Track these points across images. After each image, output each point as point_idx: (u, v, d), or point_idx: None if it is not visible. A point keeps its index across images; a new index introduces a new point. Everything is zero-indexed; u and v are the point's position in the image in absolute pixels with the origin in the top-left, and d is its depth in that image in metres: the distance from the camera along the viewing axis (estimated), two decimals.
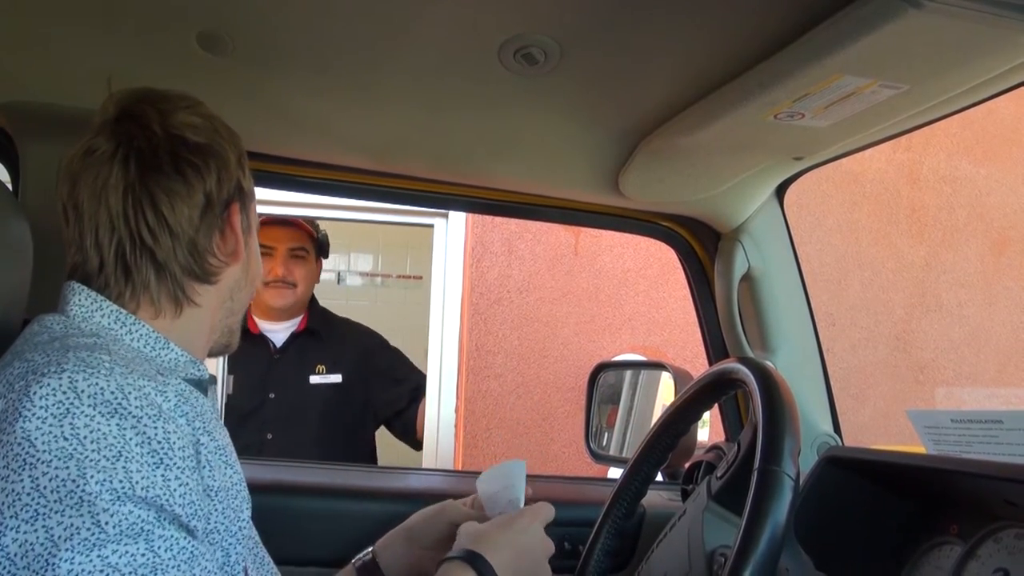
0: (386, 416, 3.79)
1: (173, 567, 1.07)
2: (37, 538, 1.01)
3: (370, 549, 1.76)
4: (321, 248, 3.76)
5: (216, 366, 3.72)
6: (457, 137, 2.00)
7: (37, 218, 1.49)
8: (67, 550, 1.01)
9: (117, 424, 1.08)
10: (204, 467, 1.23)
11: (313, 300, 3.79)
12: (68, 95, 1.81)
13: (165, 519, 1.09)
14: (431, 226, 5.20)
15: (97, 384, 1.09)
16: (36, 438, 1.04)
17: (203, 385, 1.38)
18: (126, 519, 1.05)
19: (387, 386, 3.79)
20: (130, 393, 1.11)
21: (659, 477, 1.78)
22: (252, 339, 3.63)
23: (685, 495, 2.09)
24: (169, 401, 1.17)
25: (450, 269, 5.16)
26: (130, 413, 1.10)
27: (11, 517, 1.01)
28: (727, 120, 1.60)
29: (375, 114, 1.91)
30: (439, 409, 5.03)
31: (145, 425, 1.10)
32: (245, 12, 1.53)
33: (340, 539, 2.11)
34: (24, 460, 1.03)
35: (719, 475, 1.52)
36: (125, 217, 1.31)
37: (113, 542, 1.03)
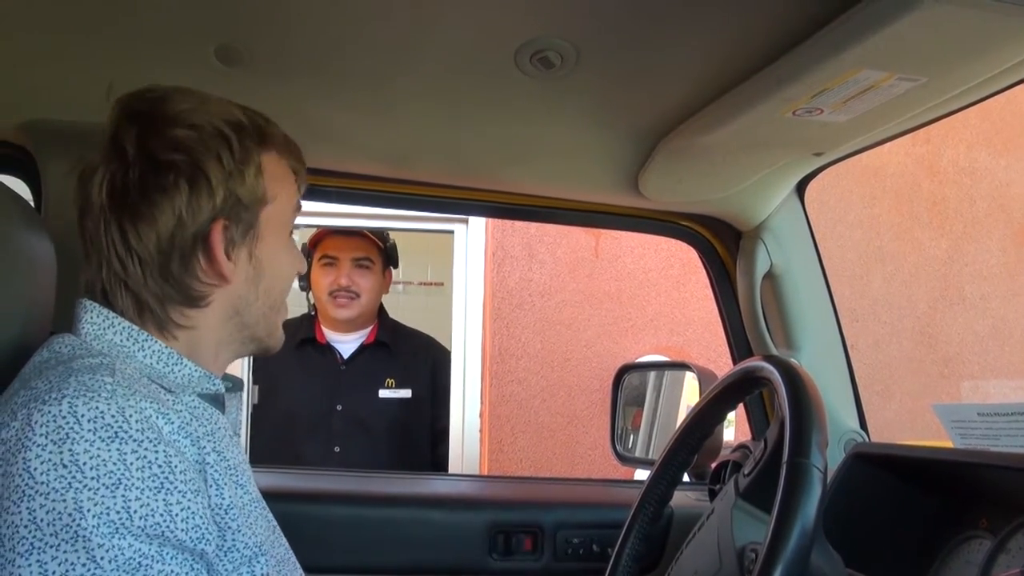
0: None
1: None
2: (31, 572, 1.00)
3: None
4: (389, 258, 3.73)
5: (241, 375, 3.72)
6: (475, 142, 2.00)
7: (59, 235, 1.50)
8: None
9: (117, 449, 1.07)
10: (211, 487, 1.21)
11: (383, 312, 3.76)
12: (87, 112, 1.81)
13: (167, 548, 1.08)
14: (451, 232, 5.21)
15: (97, 408, 1.08)
16: (35, 468, 1.03)
17: (219, 399, 1.36)
18: (123, 554, 1.03)
19: (442, 406, 3.80)
20: (131, 416, 1.10)
21: (686, 478, 1.77)
22: (320, 349, 3.63)
23: (713, 495, 2.08)
24: (172, 423, 1.15)
25: (471, 274, 5.17)
26: (131, 437, 1.08)
27: (9, 550, 1.00)
28: (746, 118, 1.60)
29: (393, 121, 1.91)
30: (464, 414, 5.03)
31: (146, 449, 1.09)
32: (261, 25, 1.53)
33: (366, 545, 2.12)
34: (23, 492, 1.02)
35: (747, 472, 1.51)
36: (98, 242, 1.30)
37: None
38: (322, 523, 2.12)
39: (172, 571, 1.07)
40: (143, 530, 1.06)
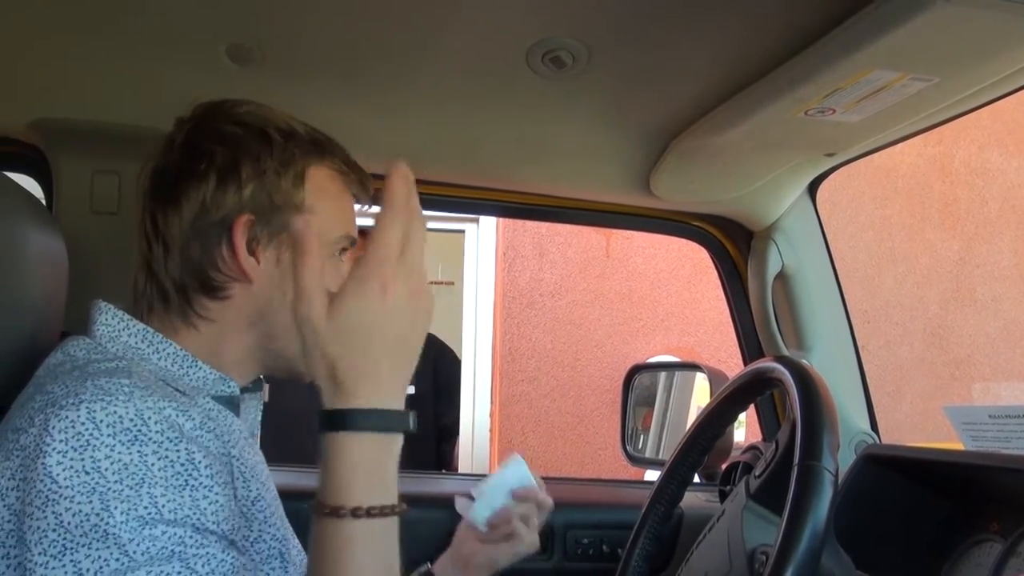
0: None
1: None
2: (66, 573, 1.00)
3: (427, 567, 1.74)
4: None
5: None
6: (486, 141, 2.00)
7: (71, 234, 1.50)
8: None
9: (138, 451, 1.06)
10: (238, 479, 1.21)
11: None
12: (98, 111, 1.82)
13: (201, 534, 1.07)
14: (462, 231, 5.21)
15: (115, 412, 1.07)
16: (57, 474, 1.02)
17: (234, 402, 1.35)
18: (156, 543, 1.03)
19: (446, 404, 3.80)
20: (150, 417, 1.08)
21: (696, 479, 1.77)
22: None
23: (723, 496, 2.08)
24: (193, 420, 1.14)
25: (482, 274, 5.17)
26: (150, 439, 1.07)
27: (39, 554, 1.00)
28: (758, 118, 1.59)
29: (404, 120, 1.91)
30: (474, 413, 5.03)
31: (167, 449, 1.08)
32: (273, 24, 1.53)
33: None
34: (47, 496, 1.02)
35: (757, 474, 1.51)
36: (139, 228, 1.31)
37: (144, 566, 1.01)
38: None
39: (209, 552, 1.06)
40: (174, 521, 1.05)
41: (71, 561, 1.00)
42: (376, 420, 1.06)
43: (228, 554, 1.08)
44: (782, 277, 2.22)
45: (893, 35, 1.23)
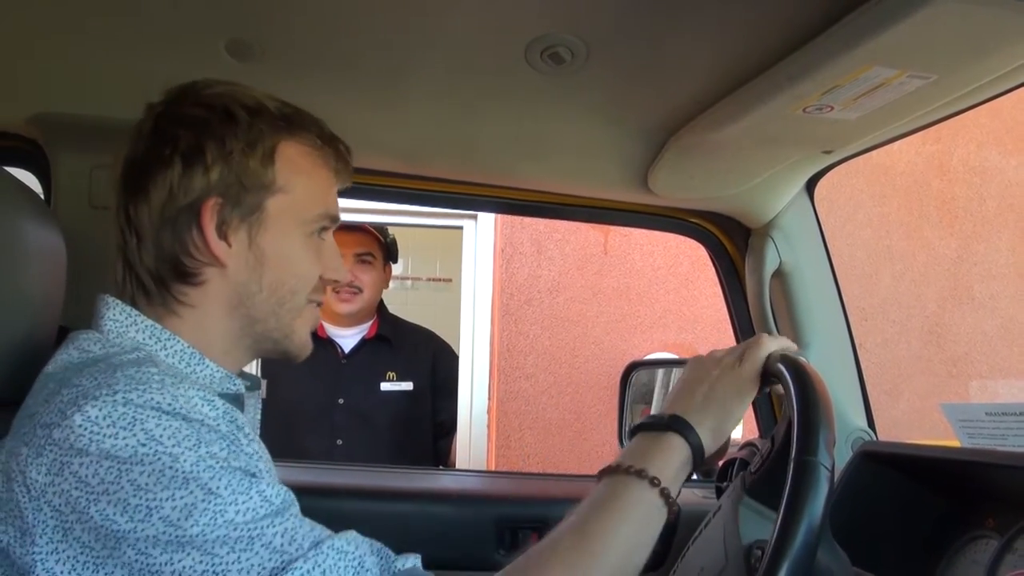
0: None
1: (285, 508, 1.10)
2: (155, 530, 1.01)
3: None
4: (389, 253, 3.74)
5: (251, 370, 3.73)
6: (485, 138, 2.00)
7: (69, 228, 1.50)
8: (192, 525, 1.02)
9: (183, 421, 1.08)
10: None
11: (383, 307, 3.78)
12: (97, 105, 1.82)
13: (262, 479, 1.10)
14: (460, 228, 5.20)
15: (152, 398, 1.08)
16: (118, 452, 1.03)
17: (239, 399, 1.35)
18: (232, 481, 1.06)
19: (444, 400, 3.81)
20: (184, 402, 1.10)
21: (693, 476, 1.77)
22: (320, 343, 3.61)
23: (719, 492, 2.08)
24: (217, 410, 1.15)
25: (480, 271, 5.16)
26: (191, 417, 1.09)
27: (127, 521, 1.01)
28: (756, 114, 1.60)
29: (403, 116, 1.91)
30: (471, 410, 5.03)
31: (208, 427, 1.10)
32: (272, 20, 1.53)
33: (377, 540, 2.12)
34: (117, 471, 1.02)
35: (753, 470, 1.51)
36: (114, 220, 1.32)
37: (232, 504, 1.04)
38: (330, 517, 2.10)
39: (276, 485, 1.11)
40: (239, 469, 1.08)
41: (160, 518, 1.02)
42: (653, 423, 1.36)
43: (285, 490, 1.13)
44: (779, 274, 2.22)
45: (891, 32, 1.24)
